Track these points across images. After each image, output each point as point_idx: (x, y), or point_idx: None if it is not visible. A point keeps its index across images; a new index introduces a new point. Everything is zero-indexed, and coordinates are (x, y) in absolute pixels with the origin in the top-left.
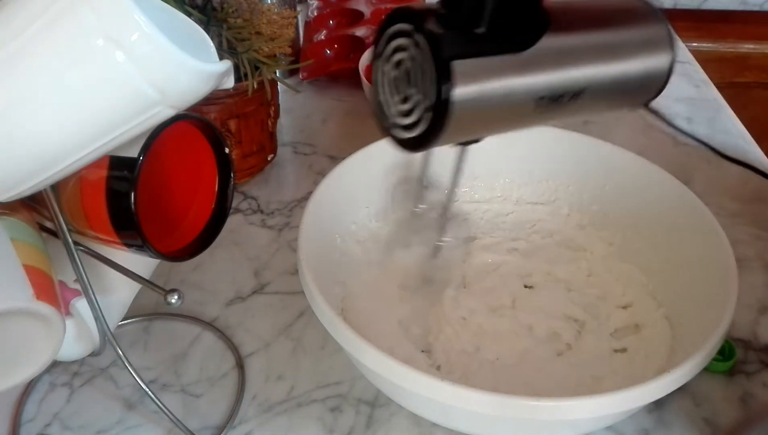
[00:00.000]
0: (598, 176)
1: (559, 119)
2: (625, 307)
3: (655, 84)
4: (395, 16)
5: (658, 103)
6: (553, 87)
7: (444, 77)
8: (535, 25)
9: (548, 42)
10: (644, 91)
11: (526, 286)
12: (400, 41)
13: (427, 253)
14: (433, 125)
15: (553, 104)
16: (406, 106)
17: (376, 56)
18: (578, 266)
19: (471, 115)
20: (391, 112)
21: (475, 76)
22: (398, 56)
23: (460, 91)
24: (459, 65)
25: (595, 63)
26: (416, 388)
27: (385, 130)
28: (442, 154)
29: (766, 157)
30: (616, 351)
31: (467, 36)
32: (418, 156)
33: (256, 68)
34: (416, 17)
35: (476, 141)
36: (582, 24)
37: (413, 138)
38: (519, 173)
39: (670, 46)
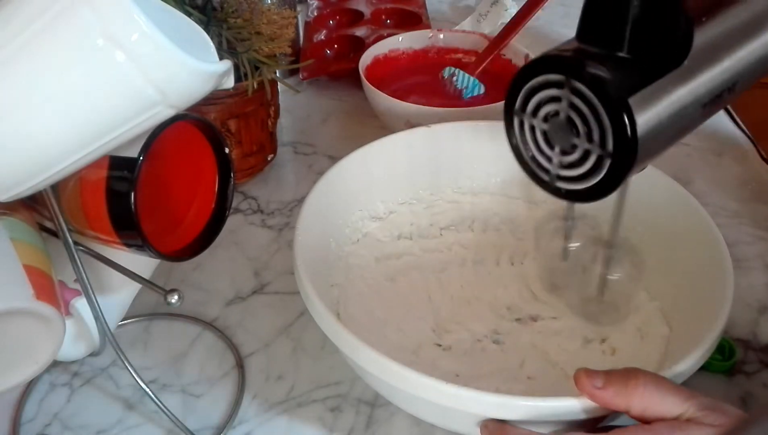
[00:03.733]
0: None
1: (711, 116)
2: (620, 306)
3: None
4: (536, 67)
5: None
6: (716, 87)
7: (621, 123)
8: (683, 30)
9: (701, 40)
10: None
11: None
12: (549, 92)
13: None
14: (615, 171)
15: (714, 104)
16: (570, 158)
17: (513, 113)
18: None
19: (649, 148)
20: (552, 165)
21: (649, 109)
22: (548, 108)
23: (641, 131)
24: (634, 103)
25: (742, 46)
26: (416, 390)
27: (548, 185)
28: None
29: (766, 157)
30: (612, 350)
31: (625, 67)
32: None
33: (256, 68)
34: (566, 65)
35: (644, 168)
36: (715, 7)
37: (591, 187)
38: (510, 171)
39: None
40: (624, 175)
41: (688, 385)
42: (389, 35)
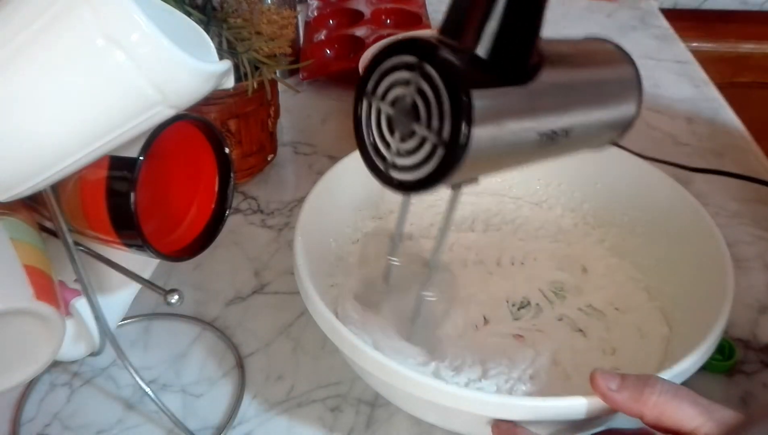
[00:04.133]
0: (589, 173)
1: (549, 158)
2: (620, 306)
3: (625, 122)
4: (391, 49)
5: (657, 103)
6: (556, 122)
7: (463, 109)
8: (534, 57)
9: (548, 76)
10: (616, 129)
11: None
12: (401, 75)
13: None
14: (445, 162)
15: (550, 141)
16: (407, 145)
17: (363, 95)
18: (571, 264)
19: (484, 151)
20: (390, 152)
21: (490, 108)
22: (397, 91)
23: (479, 123)
24: (476, 96)
25: (585, 100)
26: (416, 390)
27: (380, 173)
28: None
29: (766, 157)
30: (612, 350)
31: (476, 65)
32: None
33: (256, 68)
34: (421, 48)
35: (475, 180)
36: (570, 62)
37: (421, 179)
38: (510, 171)
39: (639, 87)
40: (454, 167)
41: (688, 386)
42: (389, 35)
